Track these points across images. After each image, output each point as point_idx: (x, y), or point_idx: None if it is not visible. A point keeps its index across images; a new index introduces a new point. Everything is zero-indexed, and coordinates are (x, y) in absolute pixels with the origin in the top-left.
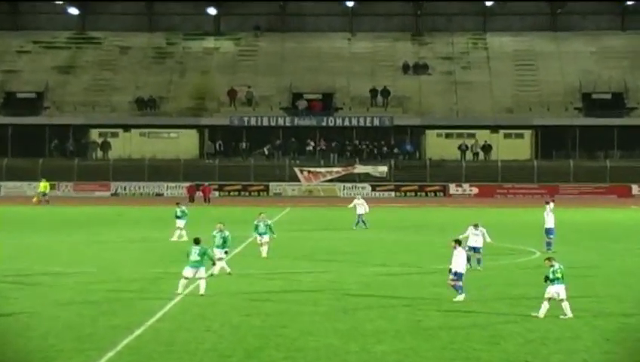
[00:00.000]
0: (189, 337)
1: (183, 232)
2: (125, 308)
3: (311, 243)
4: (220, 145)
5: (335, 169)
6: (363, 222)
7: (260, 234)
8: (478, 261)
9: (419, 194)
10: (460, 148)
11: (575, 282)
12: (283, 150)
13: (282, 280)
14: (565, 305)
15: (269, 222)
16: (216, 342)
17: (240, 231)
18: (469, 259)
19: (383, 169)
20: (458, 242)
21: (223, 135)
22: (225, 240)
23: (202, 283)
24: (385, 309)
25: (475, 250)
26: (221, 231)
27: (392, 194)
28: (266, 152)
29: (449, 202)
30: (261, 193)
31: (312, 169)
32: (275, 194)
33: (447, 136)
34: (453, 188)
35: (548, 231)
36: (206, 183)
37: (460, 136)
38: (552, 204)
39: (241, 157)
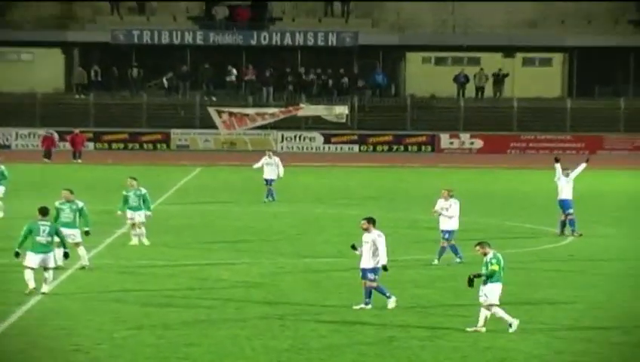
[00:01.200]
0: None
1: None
2: None
3: (229, 223)
4: (96, 72)
5: (270, 110)
6: (271, 192)
7: (132, 210)
8: (455, 251)
9: (394, 148)
10: (456, 80)
11: (623, 283)
12: (192, 81)
13: (186, 276)
14: (499, 314)
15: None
16: None
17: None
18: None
19: (342, 111)
20: None
21: (102, 58)
22: (144, 199)
23: (49, 277)
24: (342, 320)
25: (447, 234)
26: (133, 187)
27: (355, 148)
28: (166, 84)
29: (439, 161)
30: (158, 145)
31: (235, 110)
32: (180, 147)
33: (438, 62)
34: (445, 140)
35: (563, 205)
36: (76, 130)
37: (457, 62)
38: (559, 168)
39: (129, 91)
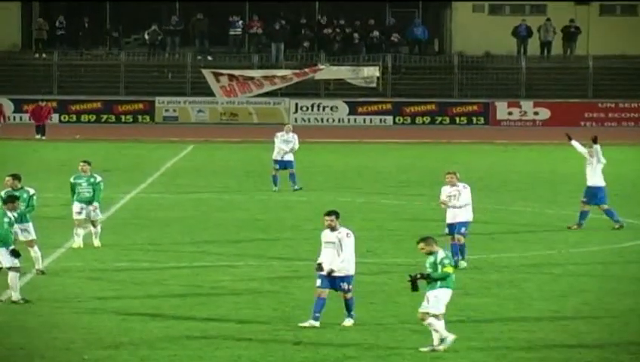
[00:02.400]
0: None
1: None
2: None
3: (229, 216)
4: (61, 25)
5: (281, 72)
6: (292, 177)
7: (82, 202)
8: (461, 250)
9: (438, 120)
10: (516, 33)
11: None
12: (182, 36)
13: (176, 282)
14: (435, 326)
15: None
16: None
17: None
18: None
19: (372, 73)
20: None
21: (69, 6)
22: (95, 188)
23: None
24: (375, 342)
25: (462, 228)
26: (86, 173)
27: (389, 119)
28: (147, 39)
29: (495, 135)
30: (140, 117)
31: (236, 72)
32: (167, 119)
33: (493, 10)
34: (502, 110)
35: (591, 194)
36: (40, 101)
37: (517, 10)
38: (598, 150)
39: (104, 48)
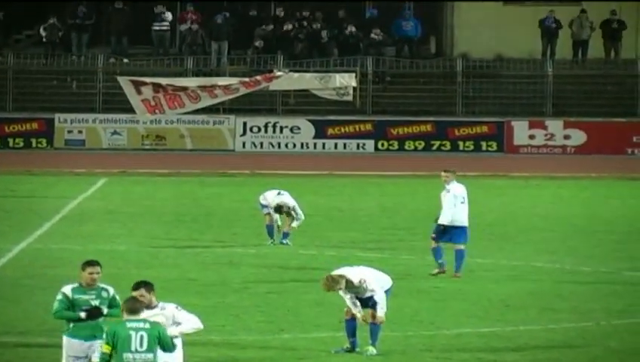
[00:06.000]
0: None
1: None
2: None
3: (154, 274)
4: None
5: (223, 81)
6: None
7: None
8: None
9: (436, 145)
10: (542, 28)
11: None
12: (91, 32)
13: None
14: None
15: None
16: None
17: None
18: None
19: (346, 82)
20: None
21: None
22: None
23: None
24: None
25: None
26: None
27: (369, 145)
28: (44, 35)
29: (512, 166)
30: (34, 141)
31: (163, 80)
32: (71, 142)
33: None
34: (521, 132)
35: None
36: None
37: None
38: None
39: None
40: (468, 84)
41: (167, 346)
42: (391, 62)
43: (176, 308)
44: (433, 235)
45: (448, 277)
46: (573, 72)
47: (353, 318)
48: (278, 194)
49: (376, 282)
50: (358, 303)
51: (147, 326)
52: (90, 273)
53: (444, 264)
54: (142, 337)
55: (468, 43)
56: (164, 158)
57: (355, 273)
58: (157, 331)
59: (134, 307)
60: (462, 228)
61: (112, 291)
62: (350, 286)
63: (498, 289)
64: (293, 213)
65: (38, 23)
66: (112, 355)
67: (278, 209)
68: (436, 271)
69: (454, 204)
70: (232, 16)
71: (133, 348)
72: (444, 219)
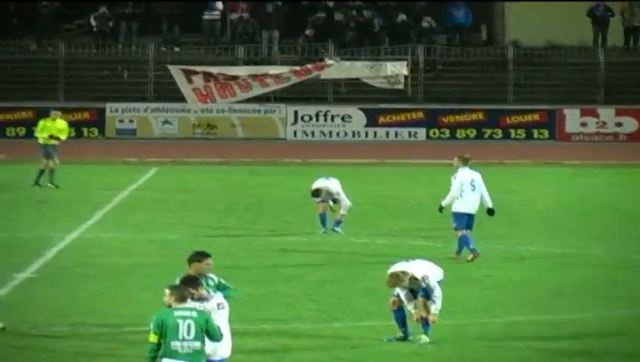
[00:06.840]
0: None
1: None
2: None
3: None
4: None
5: (274, 70)
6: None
7: None
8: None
9: (487, 133)
10: (592, 17)
11: None
12: (141, 21)
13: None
14: None
15: None
16: None
17: None
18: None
19: (398, 70)
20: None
21: None
22: None
23: None
24: None
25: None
26: None
27: (421, 132)
28: (95, 25)
29: (563, 153)
30: (85, 130)
31: (214, 69)
32: (122, 132)
33: None
34: (573, 120)
35: None
36: None
37: None
38: None
39: (34, 37)
40: (519, 72)
41: (215, 335)
42: (442, 51)
43: (218, 306)
44: (454, 225)
45: (498, 264)
46: (625, 60)
47: (400, 308)
48: (325, 179)
49: (434, 278)
50: (412, 298)
51: (195, 314)
52: (208, 264)
53: (476, 250)
54: (189, 325)
55: (519, 30)
56: (215, 147)
57: (416, 269)
58: (204, 319)
59: (183, 295)
60: (468, 216)
61: (216, 279)
62: (412, 282)
63: (550, 277)
64: (337, 198)
65: (89, 13)
66: (161, 344)
67: (316, 193)
68: (470, 256)
69: (461, 190)
70: (284, 4)
71: (180, 336)
72: (444, 203)
